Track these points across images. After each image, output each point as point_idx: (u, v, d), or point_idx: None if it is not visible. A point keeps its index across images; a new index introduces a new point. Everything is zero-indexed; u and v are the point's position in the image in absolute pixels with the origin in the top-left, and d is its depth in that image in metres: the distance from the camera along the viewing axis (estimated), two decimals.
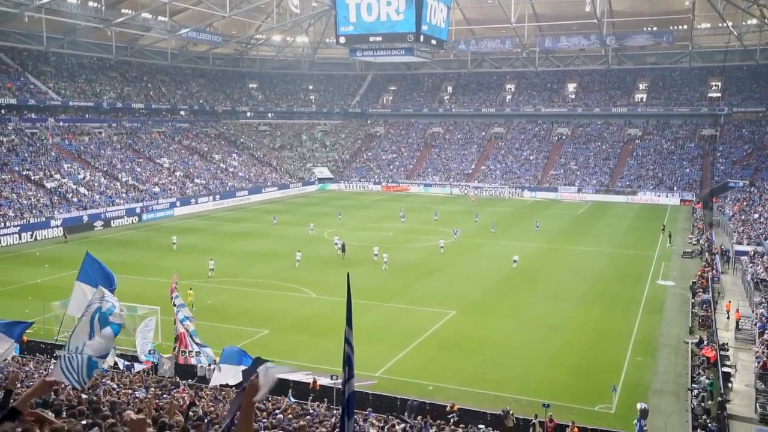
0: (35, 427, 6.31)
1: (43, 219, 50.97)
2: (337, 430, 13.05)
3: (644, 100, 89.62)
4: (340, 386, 6.85)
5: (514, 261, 40.53)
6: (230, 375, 15.69)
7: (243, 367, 17.94)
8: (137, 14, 70.35)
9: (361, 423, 15.87)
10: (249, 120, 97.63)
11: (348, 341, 5.84)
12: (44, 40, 68.94)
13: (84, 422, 7.90)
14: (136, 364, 20.79)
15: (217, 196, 69.84)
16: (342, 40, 50.41)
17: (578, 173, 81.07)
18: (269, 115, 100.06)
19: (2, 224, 47.81)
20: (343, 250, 42.96)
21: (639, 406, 19.06)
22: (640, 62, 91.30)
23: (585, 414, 20.08)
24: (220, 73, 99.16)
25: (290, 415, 15.04)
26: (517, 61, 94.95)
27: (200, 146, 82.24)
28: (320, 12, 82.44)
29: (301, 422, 13.13)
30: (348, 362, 5.89)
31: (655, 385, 22.70)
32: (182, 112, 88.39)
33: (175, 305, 20.52)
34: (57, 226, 51.05)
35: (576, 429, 18.07)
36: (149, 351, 21.03)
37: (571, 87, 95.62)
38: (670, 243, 47.36)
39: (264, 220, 59.69)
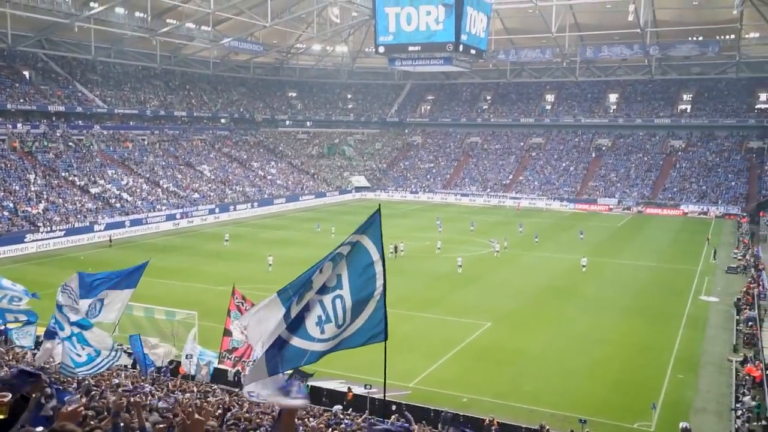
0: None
1: (87, 224, 52.25)
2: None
3: (688, 111, 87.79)
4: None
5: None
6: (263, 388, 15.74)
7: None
8: (181, 24, 71.95)
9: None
10: (288, 128, 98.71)
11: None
12: (92, 49, 70.92)
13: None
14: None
15: (255, 204, 70.68)
16: (381, 49, 50.66)
17: (618, 185, 79.72)
18: (308, 123, 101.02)
19: (49, 228, 49.18)
20: (395, 251, 44.93)
21: (681, 425, 18.54)
22: (684, 72, 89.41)
23: (623, 431, 19.62)
24: (260, 82, 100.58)
25: (322, 424, 15.03)
26: (558, 71, 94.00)
27: (239, 154, 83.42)
28: (360, 22, 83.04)
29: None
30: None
31: (697, 404, 22.06)
32: (223, 120, 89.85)
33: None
34: (100, 231, 52.28)
35: None
36: (186, 356, 21.26)
37: (613, 97, 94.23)
38: (714, 258, 46.14)
39: (300, 227, 60.19)
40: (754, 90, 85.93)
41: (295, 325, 7.00)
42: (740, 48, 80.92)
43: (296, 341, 6.99)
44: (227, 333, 19.74)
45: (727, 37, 79.93)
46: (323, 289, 7.05)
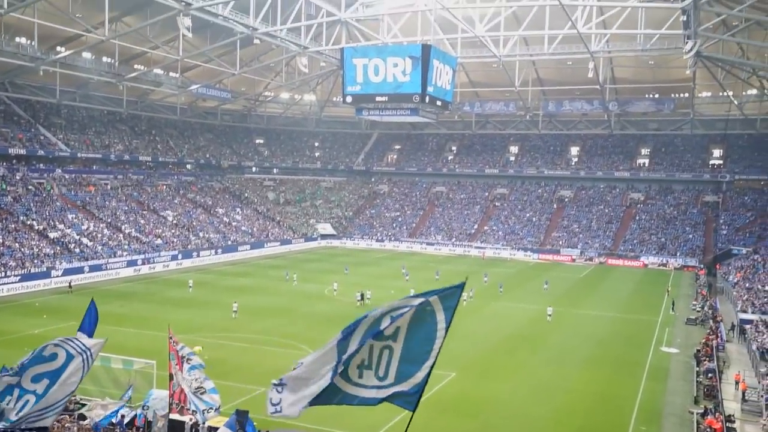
0: None
1: (44, 269, 50.85)
2: None
3: (646, 165, 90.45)
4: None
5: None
6: None
7: None
8: (149, 70, 72.07)
9: None
10: (254, 175, 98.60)
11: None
12: (57, 93, 70.47)
13: None
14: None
15: (219, 250, 69.84)
16: (349, 99, 51.45)
17: (581, 236, 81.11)
18: (274, 170, 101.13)
19: (3, 273, 47.70)
20: (362, 299, 45.37)
21: None
22: (642, 128, 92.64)
23: None
24: (227, 129, 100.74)
25: None
26: (521, 124, 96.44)
27: (205, 200, 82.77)
28: (328, 71, 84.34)
29: None
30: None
31: None
32: (188, 166, 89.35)
33: (183, 357, 19.43)
34: (58, 276, 50.91)
35: None
36: (142, 407, 20.58)
37: (574, 150, 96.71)
38: (673, 309, 46.92)
39: (265, 275, 59.58)
40: (708, 146, 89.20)
41: (344, 360, 6.77)
42: (694, 106, 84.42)
43: (337, 378, 6.76)
44: (170, 377, 19.34)
45: (682, 95, 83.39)
46: (379, 335, 6.82)
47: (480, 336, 38.09)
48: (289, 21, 57.62)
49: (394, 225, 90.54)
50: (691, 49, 54.71)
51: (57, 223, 59.81)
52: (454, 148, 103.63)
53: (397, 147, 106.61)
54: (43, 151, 68.51)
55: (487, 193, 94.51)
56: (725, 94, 76.02)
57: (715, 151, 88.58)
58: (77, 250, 56.42)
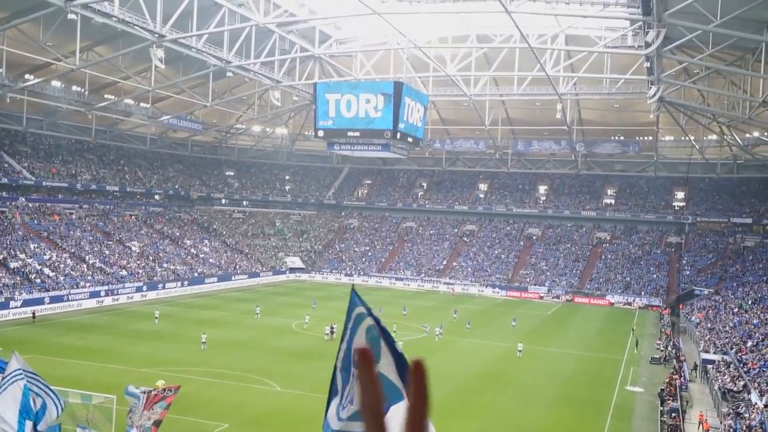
0: None
1: (3, 300, 49.43)
2: None
3: (612, 205, 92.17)
4: None
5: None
6: None
7: None
8: (120, 100, 71.59)
9: None
10: (224, 207, 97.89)
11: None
12: (24, 120, 69.50)
13: None
14: None
15: (186, 282, 68.78)
16: (321, 133, 51.80)
17: (548, 273, 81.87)
18: (244, 203, 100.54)
19: None
20: (332, 332, 44.98)
21: None
22: (608, 169, 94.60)
23: None
24: (197, 160, 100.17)
25: None
26: (490, 162, 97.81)
27: (172, 231, 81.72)
28: (300, 106, 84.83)
29: None
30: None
31: None
32: (157, 197, 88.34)
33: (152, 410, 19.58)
34: (17, 308, 49.48)
35: None
36: None
37: (542, 189, 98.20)
38: (637, 348, 47.42)
39: (231, 308, 58.73)
40: (671, 189, 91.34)
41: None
42: (657, 149, 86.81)
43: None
44: (157, 424, 19.08)
45: (646, 138, 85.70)
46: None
47: (448, 373, 37.91)
48: (262, 55, 58.01)
49: (364, 259, 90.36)
50: (654, 95, 56.52)
51: (18, 252, 58.39)
52: (424, 184, 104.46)
53: (368, 182, 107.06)
54: (6, 179, 67.14)
55: (456, 230, 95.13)
56: (687, 138, 78.33)
57: (678, 194, 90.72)
58: (38, 281, 55.05)
